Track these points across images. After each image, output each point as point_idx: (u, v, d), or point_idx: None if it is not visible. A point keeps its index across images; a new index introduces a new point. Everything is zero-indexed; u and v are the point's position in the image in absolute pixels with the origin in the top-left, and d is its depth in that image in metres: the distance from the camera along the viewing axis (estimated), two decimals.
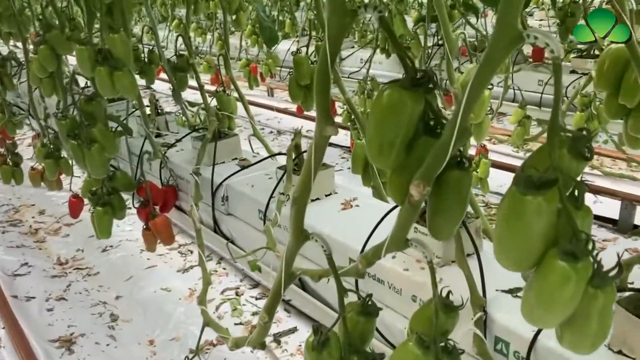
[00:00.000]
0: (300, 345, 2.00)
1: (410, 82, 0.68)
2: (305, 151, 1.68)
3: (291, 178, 1.64)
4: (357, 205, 1.62)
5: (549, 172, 0.52)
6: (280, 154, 1.90)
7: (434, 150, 0.67)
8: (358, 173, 1.98)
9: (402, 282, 1.26)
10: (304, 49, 1.86)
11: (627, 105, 1.17)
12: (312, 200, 1.69)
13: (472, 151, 2.66)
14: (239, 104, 2.54)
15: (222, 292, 2.39)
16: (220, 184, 1.95)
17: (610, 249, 2.61)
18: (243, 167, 2.08)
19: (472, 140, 1.93)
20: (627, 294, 0.89)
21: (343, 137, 3.74)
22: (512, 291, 1.13)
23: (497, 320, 1.05)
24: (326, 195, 1.71)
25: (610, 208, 2.86)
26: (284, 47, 4.25)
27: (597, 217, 2.80)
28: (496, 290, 1.12)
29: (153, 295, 2.40)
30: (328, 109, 0.79)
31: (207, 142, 2.02)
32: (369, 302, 0.93)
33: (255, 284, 2.46)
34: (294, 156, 1.68)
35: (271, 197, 1.71)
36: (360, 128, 1.87)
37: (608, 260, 0.52)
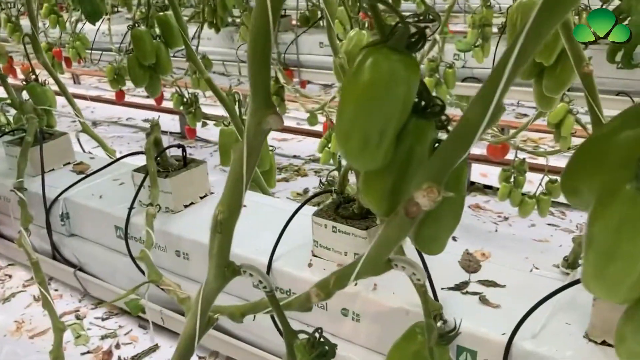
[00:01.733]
0: None
1: (402, 42, 0.49)
2: (169, 147, 1.40)
3: (156, 182, 1.35)
4: (245, 206, 1.38)
5: None
6: (134, 153, 1.58)
7: (452, 138, 0.48)
8: (228, 165, 1.73)
9: None
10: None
11: (544, 63, 1.11)
12: (186, 206, 1.41)
13: None
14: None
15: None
16: (56, 198, 1.58)
17: None
18: (82, 174, 1.71)
19: None
20: None
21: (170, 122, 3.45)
22: (460, 287, 1.00)
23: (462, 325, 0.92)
24: (201, 198, 1.45)
25: None
26: (91, 27, 3.75)
27: None
28: (442, 288, 0.98)
29: None
30: (268, 92, 0.56)
31: (28, 146, 1.61)
32: (320, 339, 0.73)
33: (99, 302, 2.13)
34: (155, 154, 1.39)
35: (131, 208, 1.40)
36: (231, 115, 1.62)
37: None
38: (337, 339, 1.07)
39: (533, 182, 1.92)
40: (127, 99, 3.96)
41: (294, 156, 3.47)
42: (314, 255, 1.15)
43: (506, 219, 2.57)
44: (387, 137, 0.51)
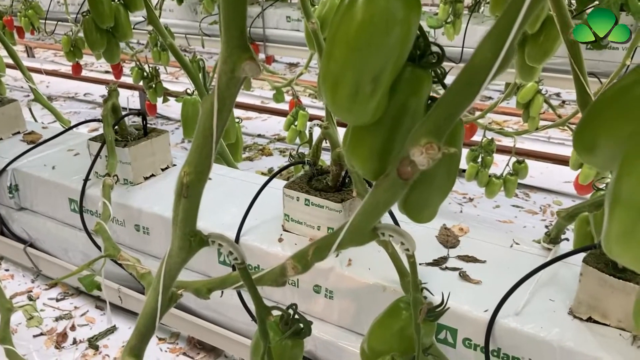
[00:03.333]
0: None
1: None
2: (128, 114, 1.31)
3: (114, 152, 1.26)
4: (210, 178, 1.31)
5: None
6: (90, 121, 1.48)
7: (455, 86, 0.43)
8: (191, 137, 1.65)
9: None
10: None
11: (528, 31, 1.07)
12: (146, 178, 1.33)
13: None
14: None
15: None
16: (4, 169, 1.47)
17: None
18: (32, 144, 1.60)
19: None
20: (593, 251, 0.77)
21: (130, 98, 3.31)
22: (439, 262, 0.96)
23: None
24: (163, 170, 1.36)
25: None
26: None
27: None
28: (420, 264, 0.94)
29: None
30: (244, 33, 0.49)
31: None
32: (294, 316, 0.68)
33: (53, 283, 2.04)
34: (113, 122, 1.29)
35: (86, 180, 1.31)
36: (195, 83, 1.53)
37: None
38: (309, 318, 1.01)
39: (497, 165, 1.91)
40: (85, 73, 3.81)
41: (259, 135, 3.40)
42: (285, 230, 1.09)
43: (471, 199, 2.57)
44: (381, 86, 0.45)
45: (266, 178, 1.23)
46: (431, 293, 0.86)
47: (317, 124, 1.36)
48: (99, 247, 1.29)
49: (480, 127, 3.01)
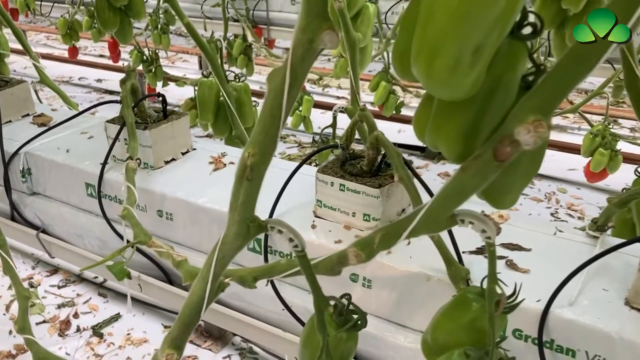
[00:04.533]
0: (128, 334, 1.69)
1: None
2: (148, 95, 1.26)
3: (135, 134, 1.22)
4: (232, 163, 1.28)
5: None
6: (108, 102, 1.43)
7: (568, 58, 0.40)
8: (208, 120, 1.61)
9: None
10: None
11: (572, 10, 1.03)
12: (166, 162, 1.29)
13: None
14: None
15: (11, 287, 1.91)
16: (16, 152, 1.43)
17: (425, 175, 2.72)
18: (43, 126, 1.55)
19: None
20: None
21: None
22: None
23: None
24: (183, 154, 1.32)
25: (414, 136, 3.04)
26: None
27: (405, 146, 2.88)
28: (463, 252, 0.91)
29: None
30: (325, 1, 0.45)
31: None
32: (348, 307, 0.65)
33: (54, 270, 2.03)
34: (133, 103, 1.25)
35: (105, 163, 1.27)
36: (213, 64, 1.48)
37: None
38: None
39: None
40: (79, 57, 3.74)
41: None
42: (317, 217, 1.06)
43: None
44: (483, 58, 0.42)
45: (292, 163, 1.19)
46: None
47: (342, 108, 1.33)
48: (117, 234, 1.26)
49: None
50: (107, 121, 1.31)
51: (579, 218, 3.32)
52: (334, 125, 1.38)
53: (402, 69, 0.48)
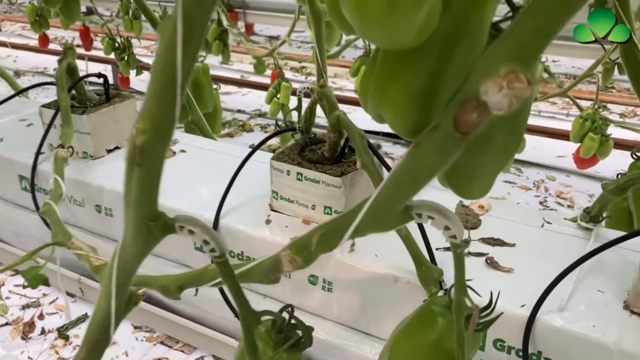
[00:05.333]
0: None
1: None
2: (86, 76, 1.13)
3: (70, 119, 1.09)
4: (183, 151, 1.15)
5: None
6: (41, 84, 1.30)
7: None
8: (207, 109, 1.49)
9: None
10: None
11: None
12: (109, 151, 1.16)
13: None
14: None
15: None
16: None
17: None
18: None
19: None
20: None
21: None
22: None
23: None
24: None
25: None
26: None
27: (390, 135, 2.78)
28: (437, 249, 0.79)
29: None
30: None
31: None
32: (290, 321, 0.54)
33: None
34: (69, 85, 1.12)
35: (38, 153, 1.14)
36: None
37: None
38: (303, 314, 0.87)
39: None
40: (55, 47, 3.63)
41: (238, 110, 3.25)
42: (273, 210, 0.94)
43: None
44: None
45: (248, 151, 1.07)
46: (444, 289, 0.71)
47: (307, 87, 1.20)
48: None
49: None
50: (42, 106, 1.18)
51: (569, 206, 3.24)
52: (299, 107, 1.26)
53: (337, 14, 0.36)
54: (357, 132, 0.81)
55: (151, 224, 0.45)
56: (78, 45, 4.45)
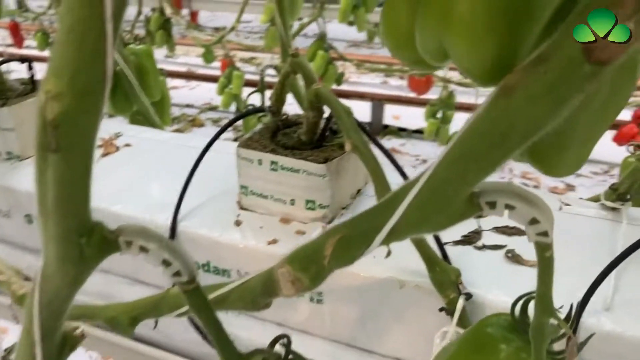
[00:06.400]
0: None
1: None
2: (4, 61, 0.96)
3: None
4: (128, 145, 0.99)
5: None
6: None
7: None
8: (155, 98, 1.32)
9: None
10: None
11: None
12: None
13: None
14: None
15: None
16: None
17: (405, 160, 2.50)
18: None
19: None
20: None
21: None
22: (472, 239, 0.69)
23: (488, 299, 0.61)
24: None
25: (359, 111, 2.86)
26: None
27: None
28: (445, 243, 0.67)
29: None
30: None
31: None
32: (287, 355, 0.41)
33: None
34: None
35: None
36: None
37: None
38: (289, 330, 0.73)
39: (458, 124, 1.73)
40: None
41: (187, 105, 3.08)
42: (243, 208, 0.80)
43: (424, 161, 2.40)
44: None
45: (207, 139, 0.92)
46: (466, 293, 0.59)
47: (271, 66, 1.07)
48: None
49: (439, 81, 2.78)
50: None
51: (535, 187, 3.20)
52: (261, 89, 1.12)
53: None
54: (343, 109, 0.67)
55: (82, 240, 0.30)
56: (11, 45, 4.18)
